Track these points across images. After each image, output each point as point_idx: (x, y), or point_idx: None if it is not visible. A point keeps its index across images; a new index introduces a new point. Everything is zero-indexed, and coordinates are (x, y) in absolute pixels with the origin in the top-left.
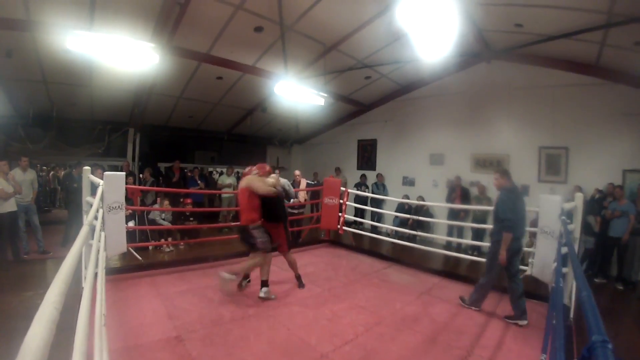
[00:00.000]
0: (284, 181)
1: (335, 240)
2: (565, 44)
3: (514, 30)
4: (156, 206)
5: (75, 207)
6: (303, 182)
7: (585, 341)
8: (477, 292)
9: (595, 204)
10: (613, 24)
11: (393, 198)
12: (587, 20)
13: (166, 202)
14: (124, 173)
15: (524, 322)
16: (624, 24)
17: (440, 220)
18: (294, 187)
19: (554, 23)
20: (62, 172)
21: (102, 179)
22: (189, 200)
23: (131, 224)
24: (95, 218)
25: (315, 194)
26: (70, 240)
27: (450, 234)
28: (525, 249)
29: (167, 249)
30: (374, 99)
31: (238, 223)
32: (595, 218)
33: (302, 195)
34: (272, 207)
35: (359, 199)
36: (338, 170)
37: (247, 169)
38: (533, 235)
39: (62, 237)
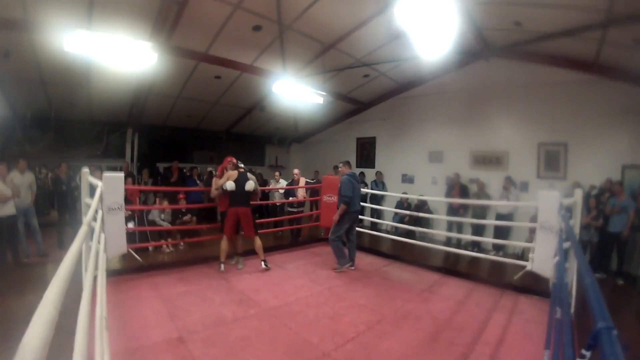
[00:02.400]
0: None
1: None
2: (564, 42)
3: (513, 29)
4: (155, 206)
5: (65, 209)
6: (302, 181)
7: (586, 335)
8: (337, 255)
9: (593, 200)
10: (612, 22)
11: (392, 193)
12: (586, 18)
13: (165, 203)
14: (122, 174)
15: (349, 266)
16: (623, 22)
17: (440, 216)
18: (292, 185)
19: (553, 21)
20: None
21: (100, 180)
22: (182, 196)
23: (130, 225)
24: (94, 219)
25: (315, 193)
26: (65, 243)
27: (449, 230)
28: (525, 244)
29: (167, 250)
30: (373, 97)
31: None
32: (589, 213)
33: (302, 194)
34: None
35: None
36: (336, 169)
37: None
38: (533, 230)
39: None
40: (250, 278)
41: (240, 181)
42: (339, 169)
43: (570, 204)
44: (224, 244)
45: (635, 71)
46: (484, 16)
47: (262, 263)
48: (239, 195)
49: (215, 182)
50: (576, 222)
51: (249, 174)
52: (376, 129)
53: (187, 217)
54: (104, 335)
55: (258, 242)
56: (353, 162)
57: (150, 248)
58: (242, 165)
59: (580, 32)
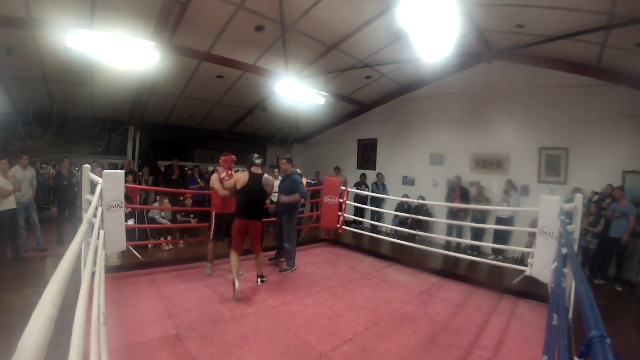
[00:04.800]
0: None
1: (335, 240)
2: (566, 45)
3: (515, 31)
4: (156, 204)
5: (65, 204)
6: (303, 182)
7: (582, 342)
8: (293, 255)
9: (594, 205)
10: (614, 25)
11: (392, 197)
12: (588, 21)
13: (166, 201)
14: (123, 171)
15: (294, 268)
16: (625, 25)
17: (440, 220)
18: None
19: (555, 24)
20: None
21: (101, 177)
22: (188, 196)
23: (130, 222)
24: (95, 216)
25: (315, 193)
26: (64, 238)
27: (449, 233)
28: (524, 249)
29: (167, 247)
30: (375, 98)
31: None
32: (586, 219)
33: None
34: (242, 204)
35: (358, 199)
36: (337, 170)
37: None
38: (532, 235)
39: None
40: (249, 277)
41: (253, 188)
42: (282, 165)
43: (571, 209)
44: (235, 260)
45: (637, 75)
46: (486, 18)
47: (259, 279)
48: (252, 205)
49: (224, 183)
50: (576, 228)
51: (265, 176)
52: (378, 131)
53: (187, 219)
54: (101, 331)
55: (261, 257)
56: (354, 163)
57: (149, 245)
58: (258, 161)
59: (581, 35)
